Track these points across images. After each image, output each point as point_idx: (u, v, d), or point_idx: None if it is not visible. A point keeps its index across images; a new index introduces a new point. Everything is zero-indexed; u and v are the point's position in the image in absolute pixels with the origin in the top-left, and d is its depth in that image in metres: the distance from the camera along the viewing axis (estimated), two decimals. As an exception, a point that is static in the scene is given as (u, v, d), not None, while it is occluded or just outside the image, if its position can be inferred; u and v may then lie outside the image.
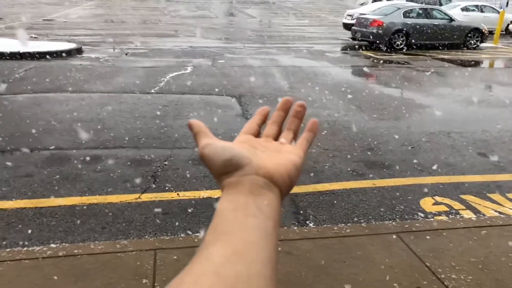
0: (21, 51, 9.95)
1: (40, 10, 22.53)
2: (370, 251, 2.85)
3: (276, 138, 0.54)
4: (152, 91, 7.49)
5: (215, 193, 3.82)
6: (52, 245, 2.87)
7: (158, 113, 6.18)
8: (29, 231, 3.14)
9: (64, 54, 10.48)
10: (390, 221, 3.39)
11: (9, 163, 4.30)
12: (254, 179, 0.43)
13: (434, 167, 4.57)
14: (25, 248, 2.80)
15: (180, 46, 12.98)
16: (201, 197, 3.75)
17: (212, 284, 0.33)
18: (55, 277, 2.49)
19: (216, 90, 7.61)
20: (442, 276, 2.60)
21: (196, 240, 2.92)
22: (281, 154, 0.48)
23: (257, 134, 0.53)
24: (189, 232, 3.20)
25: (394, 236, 3.02)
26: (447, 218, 3.53)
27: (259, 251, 0.37)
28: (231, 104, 6.78)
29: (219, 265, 0.35)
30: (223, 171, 0.44)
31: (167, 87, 7.74)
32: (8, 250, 2.79)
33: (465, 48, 14.53)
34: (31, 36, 13.02)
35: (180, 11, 26.48)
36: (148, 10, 26.60)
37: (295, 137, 0.54)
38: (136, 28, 17.62)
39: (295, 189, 3.95)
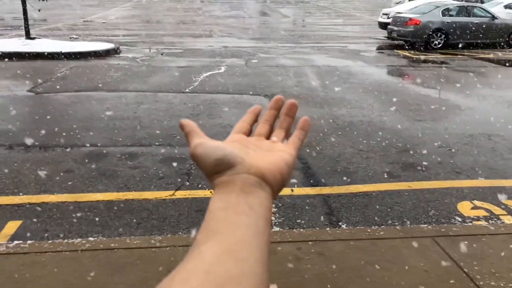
0: (62, 51, 10.33)
1: (80, 11, 23.32)
2: (404, 255, 2.79)
3: (268, 136, 0.53)
4: (186, 90, 7.61)
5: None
6: (91, 238, 2.97)
7: (192, 112, 6.28)
8: (69, 224, 3.27)
9: (102, 54, 10.81)
10: (426, 225, 3.31)
11: (51, 159, 4.48)
12: (246, 178, 0.43)
13: (473, 171, 4.42)
14: (65, 240, 2.91)
15: (214, 46, 13.11)
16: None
17: (202, 282, 0.33)
18: (93, 269, 2.58)
19: (249, 89, 7.64)
20: (481, 283, 2.52)
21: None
22: (273, 153, 0.48)
23: (249, 133, 0.53)
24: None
25: (430, 240, 2.94)
26: (486, 223, 3.41)
27: (250, 249, 0.37)
28: (263, 104, 6.78)
29: (210, 264, 0.35)
30: (214, 170, 0.44)
31: (200, 87, 7.85)
32: (49, 241, 2.91)
33: (508, 47, 13.95)
34: (72, 37, 13.51)
35: (214, 12, 26.76)
36: (183, 10, 27.03)
37: (287, 136, 0.53)
38: (171, 28, 17.94)
39: (328, 190, 3.92)
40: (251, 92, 7.47)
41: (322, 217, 3.46)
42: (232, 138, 0.51)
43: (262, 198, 0.42)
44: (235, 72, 9.31)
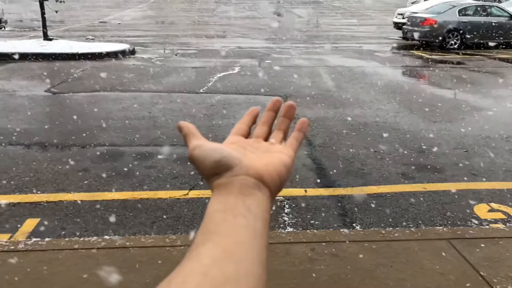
0: (79, 52, 10.48)
1: (96, 13, 23.63)
2: (419, 257, 2.76)
3: (266, 138, 0.53)
4: (201, 90, 7.65)
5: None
6: (106, 237, 3.01)
7: (206, 112, 6.31)
8: (85, 223, 3.32)
9: (118, 55, 10.93)
10: (441, 227, 3.27)
11: (67, 158, 4.55)
12: (244, 180, 0.43)
13: (491, 172, 4.35)
14: (81, 239, 2.96)
15: (228, 46, 13.15)
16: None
17: (199, 284, 0.34)
18: (108, 267, 2.61)
19: (263, 90, 7.65)
20: (498, 287, 2.48)
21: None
22: (271, 154, 0.48)
23: (247, 135, 0.53)
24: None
25: (445, 243, 2.91)
26: (504, 226, 3.35)
27: (248, 250, 0.37)
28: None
29: (207, 266, 0.35)
30: (213, 172, 0.44)
31: (214, 87, 7.88)
32: (66, 239, 2.96)
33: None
34: (88, 38, 13.70)
35: (229, 12, 26.84)
36: (197, 11, 27.17)
37: (285, 137, 0.53)
38: (186, 29, 18.05)
39: (342, 191, 3.91)
40: (264, 93, 7.47)
41: (335, 218, 3.45)
42: (230, 140, 0.51)
43: (260, 200, 0.43)
44: (249, 72, 9.33)
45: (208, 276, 0.34)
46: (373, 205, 3.67)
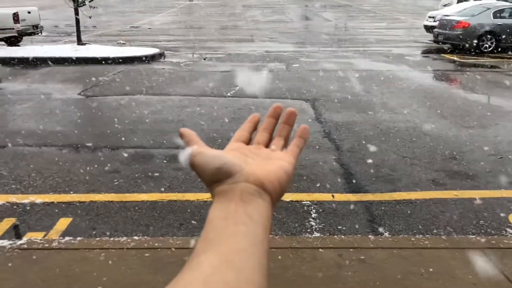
0: (111, 56, 10.75)
1: (127, 18, 24.20)
2: (450, 266, 2.69)
3: (267, 145, 0.53)
4: (228, 94, 7.71)
5: (286, 196, 3.84)
6: (135, 237, 3.07)
7: (233, 116, 6.36)
8: (115, 223, 3.39)
9: (148, 59, 11.16)
10: (474, 236, 3.17)
11: (99, 159, 4.67)
12: (245, 187, 0.43)
13: (526, 180, 4.20)
14: (111, 239, 3.03)
15: (256, 50, 13.21)
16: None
17: None
18: (137, 267, 2.66)
19: (290, 94, 7.64)
20: (534, 299, 2.38)
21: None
22: (272, 161, 0.48)
23: (248, 142, 0.53)
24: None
25: (478, 252, 2.82)
26: (541, 236, 3.22)
27: (248, 258, 0.37)
28: (304, 108, 6.76)
29: (208, 274, 0.35)
30: (214, 179, 0.44)
31: (241, 91, 7.93)
32: (97, 239, 3.04)
33: None
34: (119, 42, 14.04)
35: (256, 16, 26.97)
36: (225, 16, 27.42)
37: (286, 144, 0.53)
38: (214, 33, 18.25)
39: (370, 197, 3.85)
40: (292, 97, 7.46)
41: (363, 224, 3.40)
42: (231, 146, 0.51)
43: (261, 207, 0.42)
44: (276, 76, 9.33)
45: (208, 284, 0.35)
46: (402, 212, 3.60)
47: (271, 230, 0.44)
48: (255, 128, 0.55)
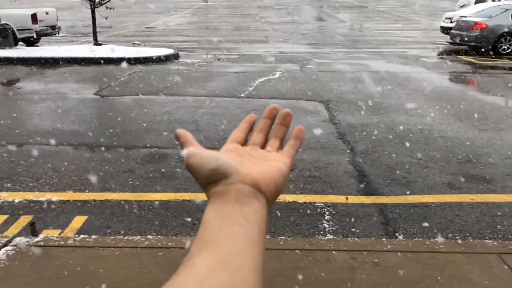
0: (126, 57, 10.87)
1: (142, 19, 24.43)
2: (466, 271, 2.65)
3: (263, 146, 0.53)
4: (242, 95, 7.72)
5: (300, 198, 3.83)
6: (149, 236, 3.09)
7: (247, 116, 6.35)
8: (129, 222, 3.43)
9: (163, 59, 11.25)
10: (491, 240, 3.12)
11: (113, 159, 4.72)
12: (240, 188, 0.43)
13: (545, 185, 4.11)
14: (126, 237, 3.05)
15: (270, 51, 13.21)
16: (286, 201, 3.78)
17: None
18: (151, 266, 2.68)
19: (304, 95, 7.62)
20: (553, 306, 2.33)
21: (281, 243, 2.95)
22: (268, 162, 0.48)
23: (244, 143, 0.53)
24: (275, 235, 3.25)
25: (495, 257, 2.77)
26: (560, 242, 3.15)
27: (244, 259, 0.37)
28: (318, 109, 6.74)
29: (203, 275, 0.35)
30: (209, 181, 0.44)
31: (255, 92, 7.93)
32: (112, 237, 3.07)
33: None
34: (135, 43, 14.18)
35: (271, 17, 26.97)
36: (240, 17, 27.49)
37: (281, 145, 0.53)
38: (228, 34, 18.30)
39: (384, 200, 3.82)
40: (306, 98, 7.44)
41: (377, 227, 3.37)
42: (227, 147, 0.51)
43: (257, 208, 0.43)
44: (290, 77, 9.32)
45: (203, 285, 0.35)
46: (417, 215, 3.56)
47: (267, 231, 0.44)
48: (251, 129, 0.55)
